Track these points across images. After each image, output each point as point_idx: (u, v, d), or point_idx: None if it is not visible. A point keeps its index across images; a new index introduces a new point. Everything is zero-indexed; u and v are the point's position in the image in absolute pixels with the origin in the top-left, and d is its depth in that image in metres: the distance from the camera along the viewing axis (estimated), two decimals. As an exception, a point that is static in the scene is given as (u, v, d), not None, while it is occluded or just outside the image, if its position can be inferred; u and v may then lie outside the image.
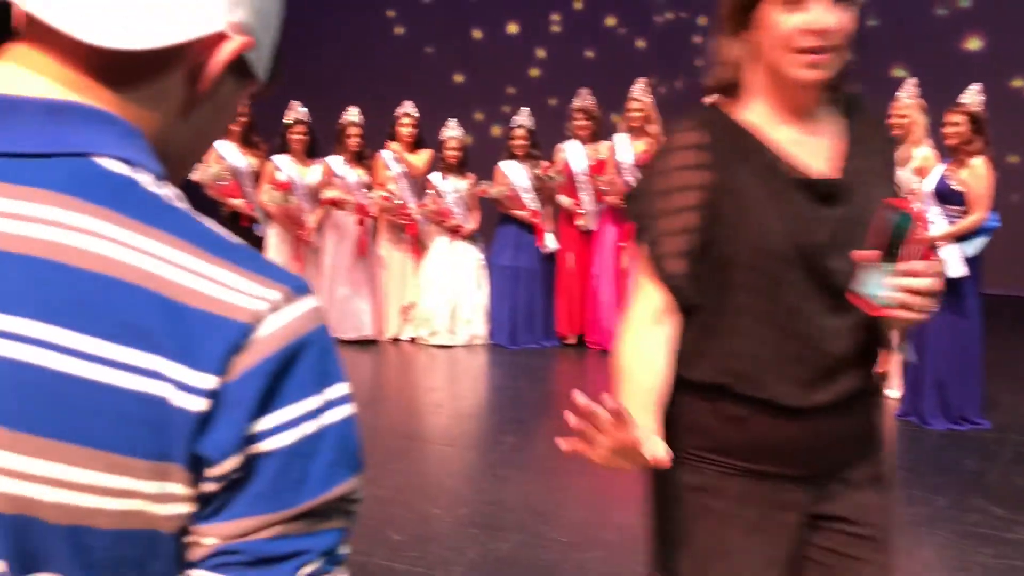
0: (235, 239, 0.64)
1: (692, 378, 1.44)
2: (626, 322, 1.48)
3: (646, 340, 1.44)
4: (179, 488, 0.58)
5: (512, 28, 11.22)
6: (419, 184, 7.03)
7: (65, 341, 0.56)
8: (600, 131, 6.95)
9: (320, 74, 10.50)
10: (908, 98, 5.38)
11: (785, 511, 1.46)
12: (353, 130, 6.85)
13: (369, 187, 6.87)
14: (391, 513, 3.57)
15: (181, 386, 0.57)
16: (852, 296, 1.34)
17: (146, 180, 0.62)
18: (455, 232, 6.94)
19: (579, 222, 6.92)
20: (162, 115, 0.66)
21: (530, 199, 6.91)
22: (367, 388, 6.01)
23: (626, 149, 6.56)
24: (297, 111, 6.84)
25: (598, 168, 6.73)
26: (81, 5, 0.60)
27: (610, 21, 10.85)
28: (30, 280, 0.57)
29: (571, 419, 1.24)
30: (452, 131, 6.98)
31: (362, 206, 6.78)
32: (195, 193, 6.83)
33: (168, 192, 0.63)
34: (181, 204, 0.63)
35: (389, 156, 6.96)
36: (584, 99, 6.90)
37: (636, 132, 6.56)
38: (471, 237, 7.04)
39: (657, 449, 1.29)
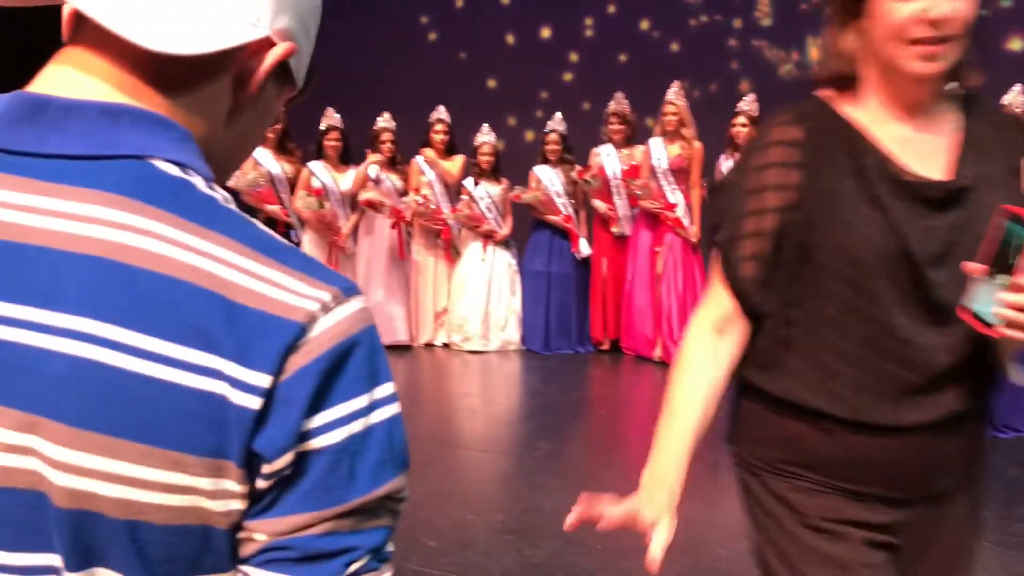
0: (285, 241, 0.65)
1: (773, 391, 1.37)
2: (691, 325, 1.42)
3: (705, 351, 1.38)
4: (233, 484, 0.59)
5: (545, 32, 11.20)
6: (453, 190, 7.04)
7: (125, 339, 0.57)
8: (634, 135, 6.91)
9: (354, 81, 10.55)
10: None
11: (872, 532, 1.36)
12: (386, 136, 6.88)
13: (403, 193, 6.89)
14: (425, 519, 3.56)
15: (238, 384, 0.58)
16: (961, 312, 1.23)
17: (199, 183, 0.63)
18: (489, 237, 6.93)
19: (614, 228, 6.88)
20: (210, 120, 0.67)
21: (563, 204, 6.88)
22: (401, 394, 5.97)
23: (661, 153, 6.51)
24: (331, 117, 6.89)
25: (632, 172, 6.69)
26: (137, 10, 0.61)
27: (644, 25, 10.79)
28: (91, 280, 0.57)
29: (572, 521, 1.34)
30: (485, 136, 6.98)
31: (397, 210, 6.79)
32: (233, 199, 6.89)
33: (219, 195, 0.64)
34: (232, 206, 0.64)
35: (423, 162, 6.97)
36: (618, 103, 6.86)
37: (671, 136, 6.51)
38: (505, 242, 7.03)
39: (655, 548, 1.29)
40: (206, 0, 0.63)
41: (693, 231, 6.50)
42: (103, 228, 0.58)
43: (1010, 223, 1.18)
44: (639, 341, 6.76)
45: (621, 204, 6.86)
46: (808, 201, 1.31)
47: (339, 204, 6.87)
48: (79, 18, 0.64)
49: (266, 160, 6.76)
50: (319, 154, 6.90)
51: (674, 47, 10.61)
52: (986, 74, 1.44)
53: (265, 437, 0.59)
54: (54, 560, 0.60)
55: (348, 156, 6.93)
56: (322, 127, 6.89)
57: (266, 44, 0.66)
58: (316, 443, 0.60)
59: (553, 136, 6.93)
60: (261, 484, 0.60)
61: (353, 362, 0.62)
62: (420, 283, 7.07)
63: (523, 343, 7.03)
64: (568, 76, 11.07)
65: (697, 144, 6.48)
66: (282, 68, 0.69)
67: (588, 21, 10.97)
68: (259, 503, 0.61)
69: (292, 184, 6.83)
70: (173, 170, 0.62)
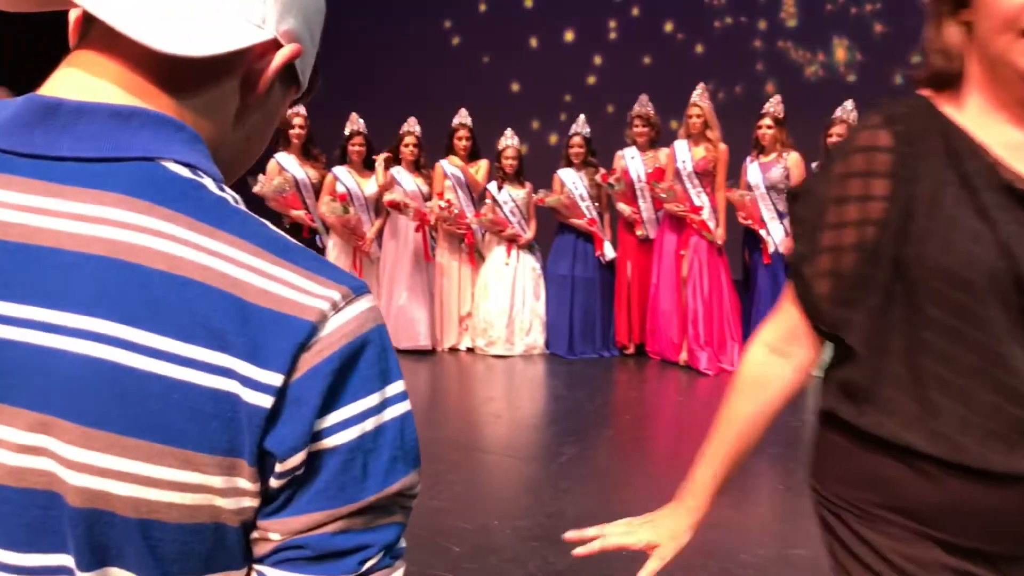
0: (295, 241, 0.65)
1: (862, 426, 1.23)
2: (750, 343, 1.35)
3: (758, 372, 1.32)
4: (246, 483, 0.60)
5: (568, 35, 11.19)
6: (477, 194, 7.04)
7: (137, 339, 0.57)
8: (658, 137, 6.88)
9: (378, 86, 10.59)
10: None
11: None
12: (410, 139, 6.89)
13: (428, 197, 6.90)
14: (449, 524, 3.55)
15: (250, 383, 0.58)
16: None
17: (210, 184, 0.64)
18: (513, 241, 6.92)
19: (638, 231, 6.85)
20: (218, 121, 0.68)
21: (588, 207, 6.86)
22: (425, 398, 6.01)
23: (685, 155, 6.47)
24: (356, 123, 6.92)
25: (657, 175, 6.66)
26: (146, 13, 0.62)
27: (668, 27, 10.75)
28: (103, 280, 0.58)
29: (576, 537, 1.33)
30: (509, 140, 6.97)
31: (422, 212, 6.81)
32: (258, 205, 6.94)
33: (230, 196, 0.65)
34: (242, 207, 0.65)
35: (447, 166, 6.98)
36: (643, 105, 6.83)
37: (695, 138, 6.47)
38: (529, 246, 7.02)
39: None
40: (213, 3, 0.64)
41: (719, 234, 6.45)
42: (114, 229, 0.59)
43: None
44: (664, 345, 6.72)
45: (646, 207, 6.82)
46: (900, 214, 1.16)
47: (363, 209, 6.90)
48: (87, 21, 0.65)
49: (291, 166, 6.81)
50: (343, 159, 6.93)
51: (699, 49, 10.56)
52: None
53: (277, 436, 0.59)
54: (67, 560, 0.60)
55: (372, 161, 6.95)
56: (346, 132, 6.92)
57: (273, 46, 0.67)
58: (329, 442, 0.61)
59: (577, 139, 6.91)
60: (274, 483, 0.61)
61: (364, 361, 0.62)
62: (445, 287, 7.07)
63: (547, 347, 7.01)
64: (592, 79, 11.04)
65: (722, 146, 6.43)
66: (288, 69, 0.70)
67: (612, 23, 10.95)
68: (273, 502, 0.61)
69: (317, 189, 6.86)
70: (184, 171, 0.63)
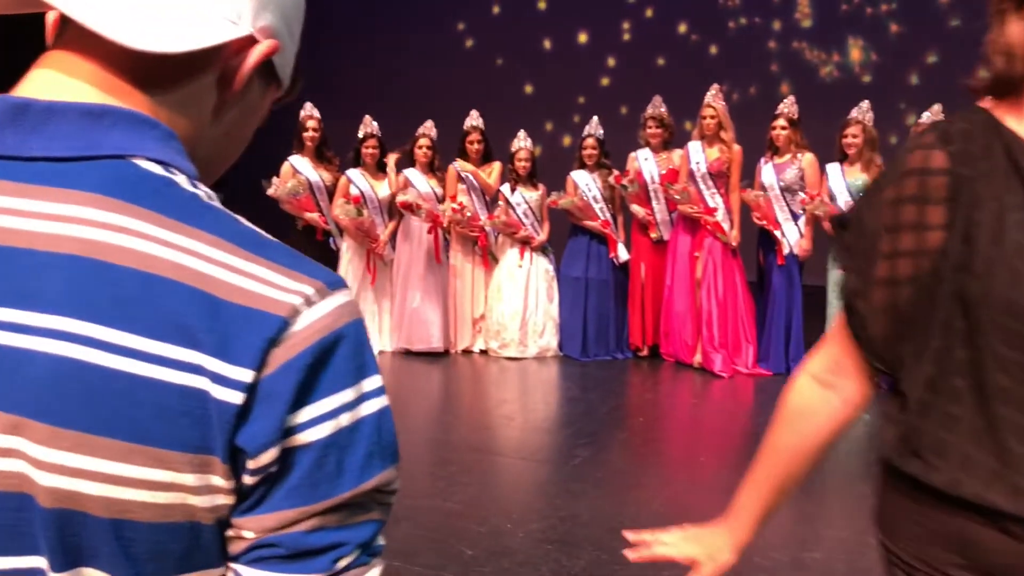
0: (269, 236, 0.65)
1: (937, 484, 1.10)
2: (796, 372, 1.28)
3: (803, 404, 1.26)
4: (219, 480, 0.59)
5: (582, 37, 11.18)
6: (490, 197, 7.04)
7: (106, 337, 0.57)
8: (672, 139, 6.86)
9: (391, 88, 10.61)
10: None
11: None
12: (424, 142, 6.90)
13: (441, 199, 6.91)
14: (462, 527, 3.54)
15: (220, 380, 0.58)
16: None
17: (182, 180, 0.63)
18: (526, 244, 6.92)
19: (652, 233, 6.83)
20: (194, 118, 0.67)
21: (601, 209, 6.85)
22: (438, 400, 6.01)
23: (699, 157, 6.45)
24: (369, 125, 6.93)
25: (671, 176, 6.64)
26: (119, 10, 0.61)
27: (682, 28, 10.72)
28: (74, 280, 0.58)
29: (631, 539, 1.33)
30: (522, 142, 6.96)
31: (435, 214, 6.81)
32: (272, 208, 6.96)
33: (203, 192, 0.64)
34: (216, 203, 0.64)
35: (461, 168, 6.98)
36: (656, 107, 6.81)
37: (709, 139, 6.45)
38: (542, 248, 7.01)
39: None
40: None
41: (733, 235, 6.42)
42: (85, 228, 0.59)
43: None
44: (678, 347, 6.69)
45: (659, 209, 6.80)
46: (960, 243, 1.05)
47: (377, 211, 6.92)
48: (64, 22, 0.65)
49: (305, 168, 6.83)
50: (357, 162, 6.94)
51: (713, 50, 10.53)
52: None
53: (249, 432, 0.59)
54: (40, 563, 0.60)
55: (385, 164, 6.96)
56: (360, 135, 6.93)
57: (249, 42, 0.67)
58: (302, 438, 0.60)
59: (590, 141, 6.89)
60: (248, 480, 0.60)
61: (338, 356, 0.61)
62: (459, 289, 7.07)
63: (561, 349, 7.00)
64: (605, 80, 11.03)
65: (736, 147, 6.40)
66: (268, 66, 0.70)
67: (625, 25, 10.93)
68: (247, 500, 0.61)
69: (331, 192, 6.88)
70: (156, 168, 0.62)
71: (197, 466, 0.58)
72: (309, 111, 6.93)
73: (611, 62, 11.03)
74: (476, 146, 6.95)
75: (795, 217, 6.29)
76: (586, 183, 6.83)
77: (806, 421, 1.25)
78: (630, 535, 1.39)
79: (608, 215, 6.88)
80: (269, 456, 0.59)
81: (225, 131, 0.71)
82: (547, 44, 11.30)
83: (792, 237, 6.29)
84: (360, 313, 0.64)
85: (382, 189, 6.90)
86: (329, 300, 0.62)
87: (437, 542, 3.40)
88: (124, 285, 0.58)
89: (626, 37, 10.98)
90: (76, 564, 0.60)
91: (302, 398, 0.60)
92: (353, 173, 6.87)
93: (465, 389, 6.41)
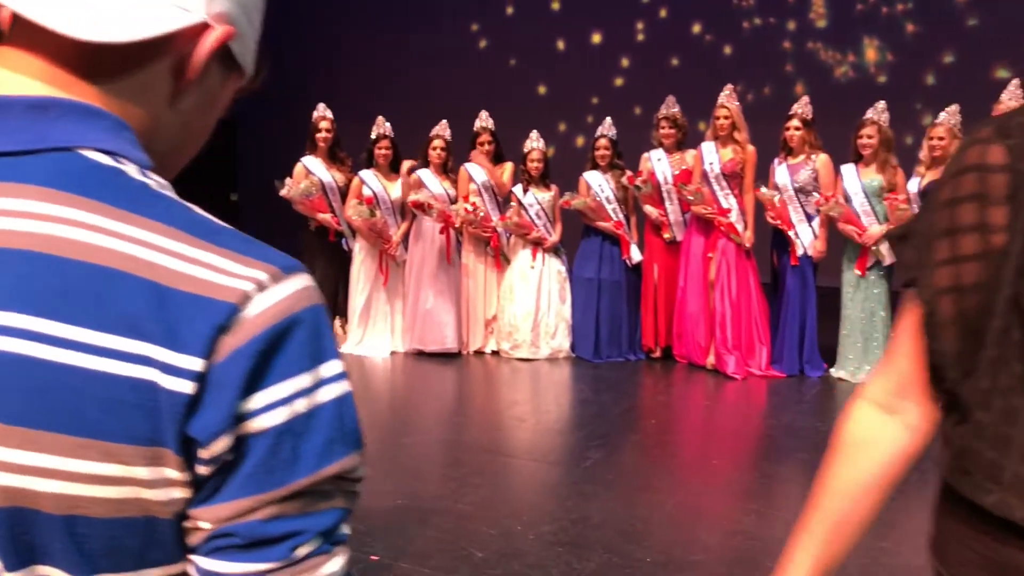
0: (222, 223, 0.63)
1: (989, 507, 1.03)
2: (856, 396, 1.17)
3: (862, 433, 1.14)
4: (173, 472, 0.59)
5: (596, 38, 11.16)
6: (502, 197, 7.03)
7: (52, 331, 0.56)
8: (686, 139, 6.83)
9: (405, 89, 10.62)
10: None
11: None
12: (437, 142, 6.90)
13: (454, 200, 6.90)
14: (473, 529, 3.53)
15: (169, 369, 0.57)
16: None
17: (131, 170, 0.63)
18: (538, 245, 6.90)
19: (665, 234, 6.81)
20: (148, 107, 0.66)
21: (614, 210, 6.83)
22: (449, 401, 6.00)
23: (713, 157, 6.42)
24: (382, 126, 6.94)
25: (684, 177, 6.61)
26: (64, 1, 0.60)
27: (696, 28, 10.69)
28: (18, 274, 0.57)
29: None
30: (534, 142, 6.95)
31: (447, 214, 6.81)
32: (285, 209, 6.98)
33: (153, 181, 0.64)
34: (167, 192, 0.63)
35: (473, 169, 6.97)
36: (669, 107, 6.78)
37: (723, 140, 6.41)
38: (555, 249, 6.99)
39: None
40: None
41: (747, 236, 6.38)
42: (31, 221, 0.58)
43: None
44: (692, 348, 6.66)
45: (673, 209, 6.77)
46: (1022, 245, 0.97)
47: (390, 212, 6.92)
48: (15, 20, 0.64)
49: (317, 169, 6.85)
50: (370, 163, 6.95)
51: (727, 50, 10.49)
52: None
53: (200, 422, 0.58)
54: None
55: (398, 164, 6.97)
56: (373, 136, 6.94)
57: (203, 29, 0.65)
58: (255, 425, 0.59)
59: (603, 141, 6.87)
60: (202, 470, 0.59)
61: (293, 341, 0.60)
62: (471, 290, 7.06)
63: (573, 351, 6.98)
64: (619, 81, 11.01)
65: (750, 148, 6.37)
66: (226, 53, 0.68)
67: (639, 25, 10.91)
68: (202, 490, 0.60)
69: (343, 193, 6.89)
70: (103, 159, 0.62)
71: (149, 459, 0.58)
72: (322, 112, 6.94)
73: (625, 62, 11.01)
74: (487, 147, 6.94)
75: (809, 218, 6.25)
76: (599, 184, 6.81)
77: (868, 453, 1.13)
78: None
79: (621, 216, 6.86)
80: (222, 445, 0.58)
81: (184, 120, 0.69)
82: (560, 44, 11.29)
83: (806, 238, 6.25)
84: (319, 298, 0.63)
85: (395, 190, 6.91)
86: (284, 285, 0.61)
87: (448, 544, 3.38)
88: (71, 278, 0.57)
89: (640, 37, 10.96)
90: (29, 562, 0.60)
91: (254, 384, 0.59)
92: (366, 174, 6.88)
93: (477, 390, 6.40)
